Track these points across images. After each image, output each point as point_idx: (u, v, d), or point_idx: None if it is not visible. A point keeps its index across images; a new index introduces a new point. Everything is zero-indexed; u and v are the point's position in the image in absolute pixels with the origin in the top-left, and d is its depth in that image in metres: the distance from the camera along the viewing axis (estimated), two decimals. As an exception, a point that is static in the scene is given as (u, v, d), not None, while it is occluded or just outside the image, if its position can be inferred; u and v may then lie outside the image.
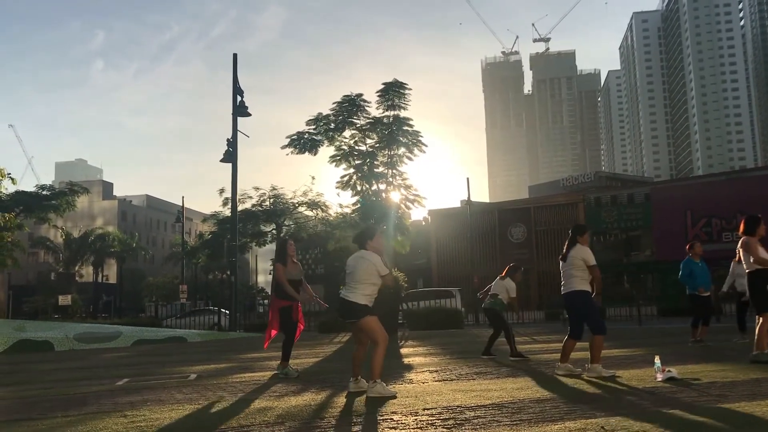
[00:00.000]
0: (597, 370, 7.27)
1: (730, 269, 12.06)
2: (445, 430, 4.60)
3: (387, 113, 22.93)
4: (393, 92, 22.75)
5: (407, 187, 23.46)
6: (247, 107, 22.26)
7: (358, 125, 23.20)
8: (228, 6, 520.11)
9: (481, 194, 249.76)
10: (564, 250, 7.73)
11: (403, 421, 4.98)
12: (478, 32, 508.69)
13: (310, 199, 35.98)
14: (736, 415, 4.77)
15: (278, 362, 8.95)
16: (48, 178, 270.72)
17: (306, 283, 8.99)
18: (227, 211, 34.71)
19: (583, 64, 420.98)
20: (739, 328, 11.85)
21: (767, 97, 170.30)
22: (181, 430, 5.01)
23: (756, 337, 8.09)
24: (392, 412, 5.40)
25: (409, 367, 9.26)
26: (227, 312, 29.55)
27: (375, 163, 23.03)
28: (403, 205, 23.59)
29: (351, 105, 23.00)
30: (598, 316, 7.53)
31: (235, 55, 22.73)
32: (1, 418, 6.10)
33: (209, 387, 7.78)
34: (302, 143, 23.68)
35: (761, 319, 8.00)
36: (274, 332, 8.93)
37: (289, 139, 23.89)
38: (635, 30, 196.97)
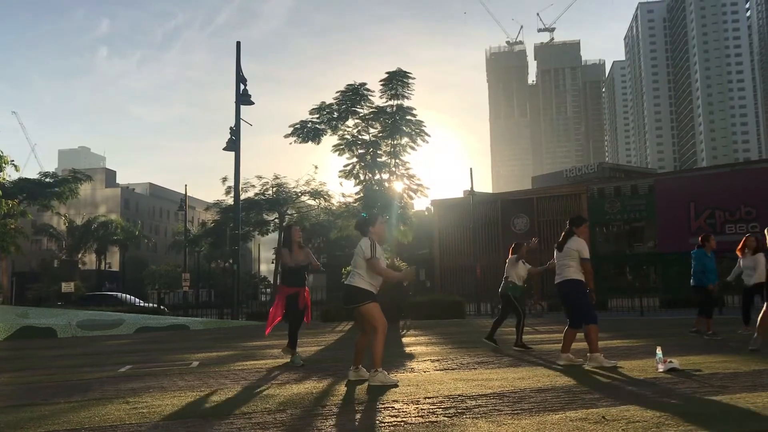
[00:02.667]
0: (598, 359, 7.28)
1: (738, 261, 12.00)
2: (446, 418, 4.60)
3: (390, 102, 22.91)
4: (396, 81, 22.71)
5: (410, 177, 23.47)
6: (250, 95, 22.21)
7: (361, 114, 23.19)
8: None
9: (485, 185, 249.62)
10: (560, 240, 7.74)
11: (405, 410, 4.99)
12: (482, 22, 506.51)
13: (313, 189, 36.01)
14: (737, 406, 4.77)
15: (280, 350, 9.06)
16: (51, 166, 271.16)
17: (312, 257, 8.98)
18: (230, 200, 34.76)
19: (588, 55, 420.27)
20: (744, 320, 11.83)
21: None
22: (183, 417, 5.02)
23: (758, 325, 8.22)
24: (393, 401, 5.42)
25: (411, 356, 9.28)
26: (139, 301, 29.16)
27: (378, 152, 23.02)
28: (406, 195, 23.59)
29: (354, 94, 22.98)
30: (589, 306, 7.52)
31: (238, 43, 22.67)
32: (5, 403, 6.13)
33: (211, 374, 7.81)
34: (305, 132, 23.67)
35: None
36: (277, 319, 8.94)
37: (292, 128, 23.88)
38: (641, 20, 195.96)
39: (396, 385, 6.24)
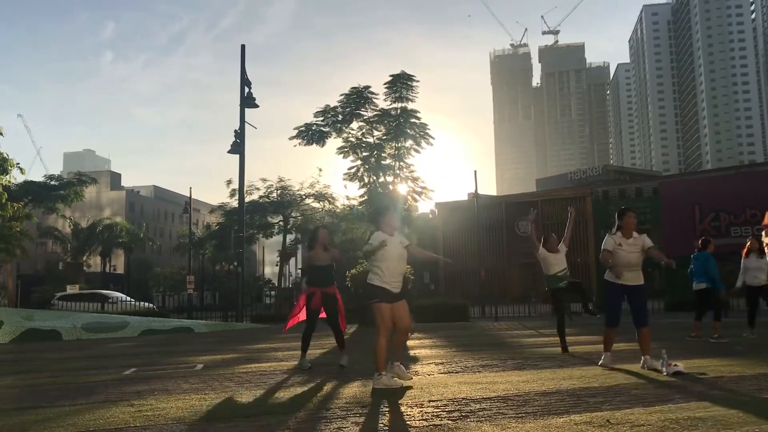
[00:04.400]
0: (604, 361, 7.47)
1: (742, 264, 11.97)
2: (450, 422, 4.60)
3: (394, 105, 22.94)
4: (400, 84, 22.74)
5: (414, 180, 23.47)
6: (254, 98, 22.22)
7: (365, 117, 23.23)
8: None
9: (489, 187, 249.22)
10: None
11: (409, 413, 4.99)
12: (487, 24, 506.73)
13: (317, 191, 35.97)
14: (742, 409, 4.75)
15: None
16: (56, 169, 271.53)
17: (336, 254, 8.95)
18: (234, 203, 34.77)
19: (592, 57, 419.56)
20: (749, 323, 11.77)
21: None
22: (187, 420, 5.03)
23: None
24: (398, 404, 5.41)
25: (415, 359, 9.27)
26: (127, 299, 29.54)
27: (382, 155, 23.05)
28: (410, 198, 23.61)
29: (359, 97, 23.01)
30: (609, 307, 7.57)
31: (243, 46, 22.70)
32: (9, 406, 6.14)
33: (215, 377, 7.81)
34: (310, 135, 23.72)
35: None
36: (298, 318, 8.98)
37: (297, 131, 23.93)
38: (645, 23, 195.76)
39: (401, 388, 6.23)
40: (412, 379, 6.72)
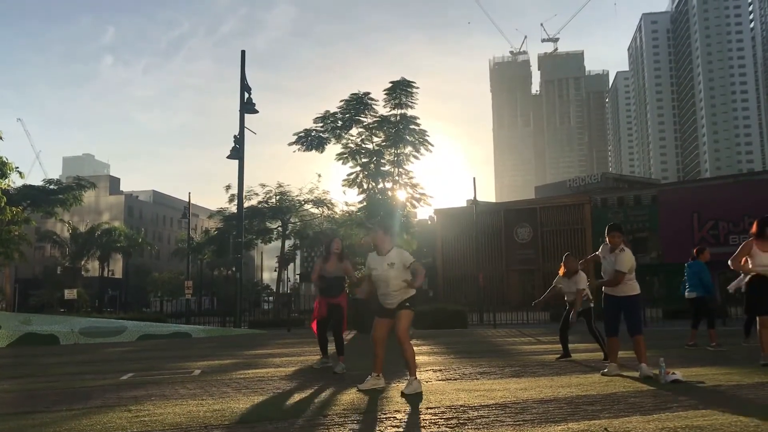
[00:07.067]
0: (611, 368, 7.65)
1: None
2: (448, 429, 4.59)
3: (394, 112, 23.01)
4: (400, 90, 22.80)
5: (413, 186, 23.52)
6: (254, 104, 22.26)
7: (365, 123, 23.28)
8: (237, 3, 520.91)
9: (488, 194, 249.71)
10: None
11: (406, 420, 4.98)
12: (486, 32, 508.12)
13: (316, 197, 36.03)
14: (740, 418, 4.75)
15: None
16: (55, 173, 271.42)
17: (347, 266, 8.98)
18: (233, 208, 34.80)
19: (592, 65, 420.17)
20: (745, 332, 11.75)
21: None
22: (185, 426, 5.02)
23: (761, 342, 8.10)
24: (395, 411, 5.41)
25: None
26: None
27: (381, 161, 23.09)
28: (409, 204, 23.64)
29: (358, 103, 23.07)
30: (606, 318, 7.77)
31: (243, 52, 22.76)
32: (6, 410, 6.13)
33: (213, 383, 7.79)
34: (309, 140, 23.77)
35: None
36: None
37: (296, 137, 23.98)
38: (644, 31, 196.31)
39: (401, 395, 6.24)
40: (417, 393, 6.48)
